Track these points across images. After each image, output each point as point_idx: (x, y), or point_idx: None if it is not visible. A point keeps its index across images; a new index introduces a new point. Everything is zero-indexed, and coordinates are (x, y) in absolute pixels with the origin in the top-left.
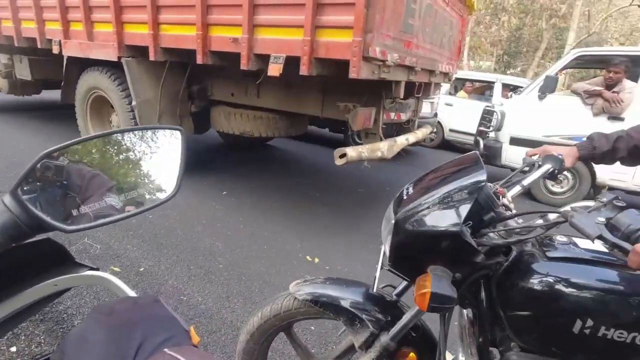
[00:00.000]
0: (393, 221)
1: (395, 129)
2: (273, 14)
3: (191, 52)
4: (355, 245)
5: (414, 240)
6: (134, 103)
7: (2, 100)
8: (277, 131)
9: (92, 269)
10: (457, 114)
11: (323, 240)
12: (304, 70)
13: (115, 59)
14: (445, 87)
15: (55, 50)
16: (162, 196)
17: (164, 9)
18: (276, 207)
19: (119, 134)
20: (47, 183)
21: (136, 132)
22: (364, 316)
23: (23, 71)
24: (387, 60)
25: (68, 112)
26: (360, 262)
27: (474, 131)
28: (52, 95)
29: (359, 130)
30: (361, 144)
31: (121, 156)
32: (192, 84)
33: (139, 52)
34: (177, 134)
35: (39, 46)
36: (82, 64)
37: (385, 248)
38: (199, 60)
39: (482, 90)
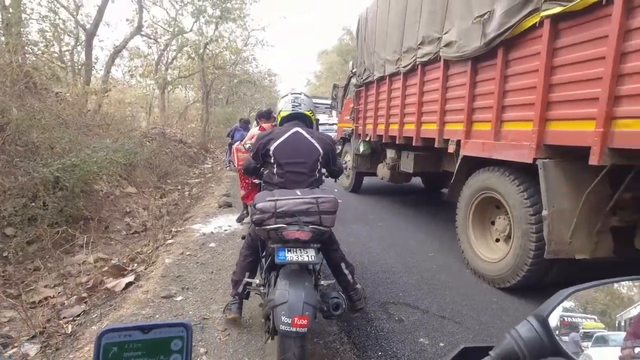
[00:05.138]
0: None
1: None
2: None
3: None
4: None
5: None
6: (544, 213)
7: (379, 184)
8: None
9: None
10: None
11: None
12: None
13: (530, 161)
14: None
15: (451, 149)
16: None
17: (629, 99)
18: None
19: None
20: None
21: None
22: None
23: (407, 165)
24: None
25: (423, 199)
26: None
27: None
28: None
29: None
30: None
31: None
32: (623, 190)
33: (561, 152)
34: None
35: (436, 146)
36: (475, 163)
37: None
38: None
39: None
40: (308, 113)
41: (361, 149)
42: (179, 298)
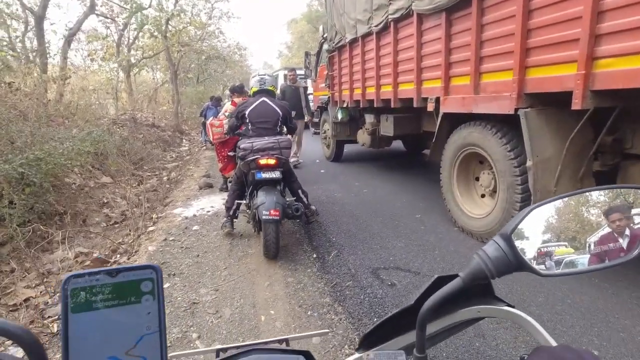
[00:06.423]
0: None
1: None
2: None
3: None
4: None
5: None
6: (528, 163)
7: (361, 151)
8: None
9: (509, 305)
10: None
11: None
12: None
13: (511, 112)
14: None
15: (431, 107)
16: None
17: (610, 37)
18: None
19: (586, 193)
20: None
21: (602, 192)
22: None
23: (387, 129)
24: None
25: (406, 162)
26: None
27: None
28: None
29: None
30: None
31: (585, 215)
32: (605, 133)
33: (542, 100)
34: None
35: (414, 105)
36: (456, 120)
37: None
38: None
39: None
40: (271, 88)
41: (339, 116)
42: (166, 285)
